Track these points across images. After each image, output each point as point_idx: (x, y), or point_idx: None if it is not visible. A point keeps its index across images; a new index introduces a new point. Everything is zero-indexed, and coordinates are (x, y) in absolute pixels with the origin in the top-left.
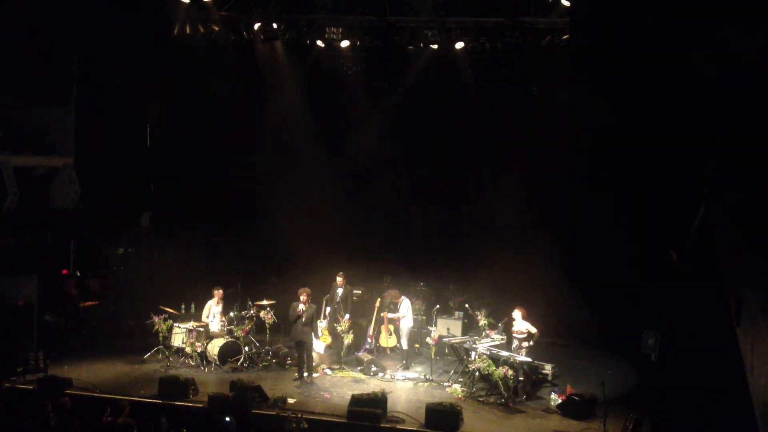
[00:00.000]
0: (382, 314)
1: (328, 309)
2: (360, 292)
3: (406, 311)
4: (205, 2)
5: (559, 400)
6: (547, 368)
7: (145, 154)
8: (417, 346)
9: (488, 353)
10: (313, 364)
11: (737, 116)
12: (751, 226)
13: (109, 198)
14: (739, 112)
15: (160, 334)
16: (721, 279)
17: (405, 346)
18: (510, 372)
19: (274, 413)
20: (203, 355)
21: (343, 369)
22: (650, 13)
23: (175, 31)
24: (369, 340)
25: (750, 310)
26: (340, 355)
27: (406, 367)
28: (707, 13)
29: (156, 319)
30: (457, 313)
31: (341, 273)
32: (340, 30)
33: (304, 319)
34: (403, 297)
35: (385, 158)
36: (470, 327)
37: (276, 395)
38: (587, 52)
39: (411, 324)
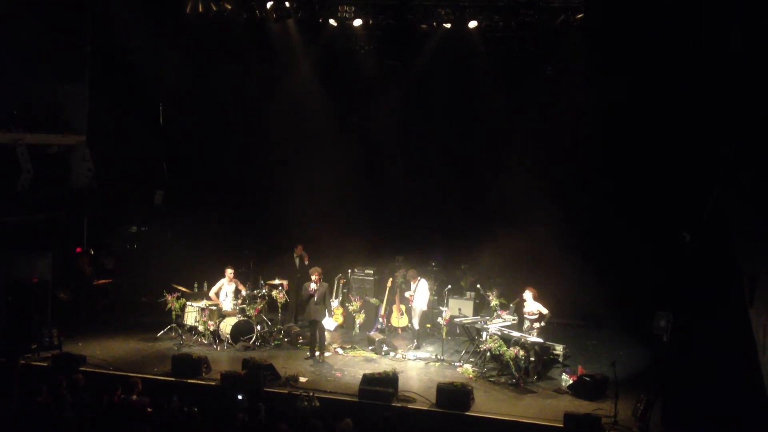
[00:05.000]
0: (396, 295)
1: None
2: (371, 272)
3: (423, 292)
4: None
5: (570, 381)
6: (559, 349)
7: (158, 133)
8: (428, 326)
9: (499, 333)
10: (325, 343)
11: (754, 96)
12: (766, 207)
13: (122, 176)
14: (756, 92)
15: (173, 313)
16: (735, 259)
17: (416, 326)
18: (521, 352)
19: (285, 391)
20: (216, 334)
21: (355, 348)
22: None
23: (188, 9)
24: (380, 319)
25: (763, 290)
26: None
27: (417, 347)
28: None
29: (169, 297)
30: (468, 293)
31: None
32: (353, 9)
33: (316, 298)
34: (420, 278)
35: (397, 137)
36: (481, 307)
37: (288, 374)
38: (602, 31)
39: (425, 307)
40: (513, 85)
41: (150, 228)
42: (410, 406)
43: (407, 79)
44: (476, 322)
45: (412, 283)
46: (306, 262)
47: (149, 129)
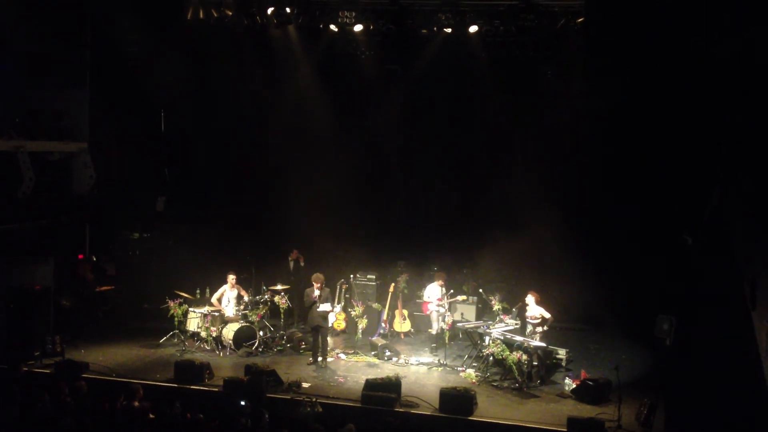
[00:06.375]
0: (399, 300)
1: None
2: (373, 277)
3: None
4: None
5: (574, 385)
6: (562, 353)
7: (159, 139)
8: (431, 330)
9: (502, 338)
10: (328, 348)
11: (752, 98)
12: (766, 209)
13: (124, 183)
14: (754, 94)
15: (176, 319)
16: (736, 262)
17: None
18: (524, 357)
19: (288, 397)
20: (218, 340)
21: (357, 353)
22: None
23: (189, 15)
24: (383, 324)
25: (764, 293)
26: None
27: (435, 350)
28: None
29: (171, 303)
30: (471, 297)
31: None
32: (353, 14)
33: (319, 305)
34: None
35: (398, 142)
36: (484, 312)
37: (290, 379)
38: (602, 35)
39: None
40: (513, 90)
41: (152, 234)
42: (413, 411)
43: (408, 84)
44: (479, 327)
45: (440, 287)
46: (302, 264)
47: (150, 135)
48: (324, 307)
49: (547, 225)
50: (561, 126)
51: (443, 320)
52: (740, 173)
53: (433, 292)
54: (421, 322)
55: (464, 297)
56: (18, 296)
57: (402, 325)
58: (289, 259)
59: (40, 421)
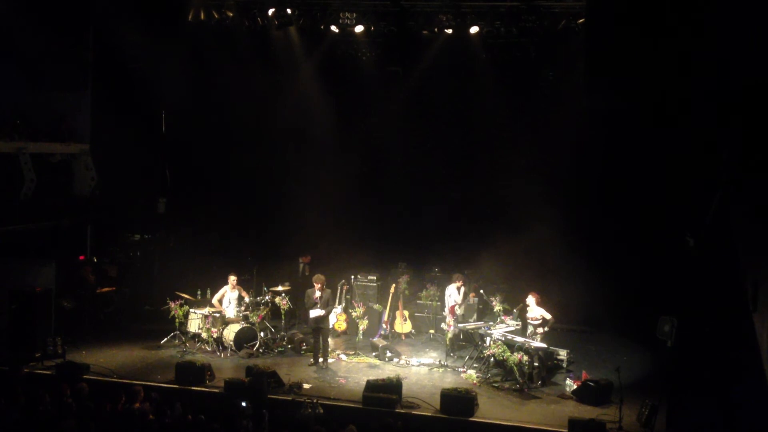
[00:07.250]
0: (399, 301)
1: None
2: (374, 278)
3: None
4: None
5: (575, 386)
6: (563, 354)
7: (160, 140)
8: (432, 332)
9: (503, 339)
10: (329, 349)
11: (754, 99)
12: None
13: (125, 184)
14: (756, 95)
15: (177, 320)
16: (738, 264)
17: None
18: (525, 358)
19: (289, 398)
20: (219, 341)
21: (358, 354)
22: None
23: (189, 17)
24: (384, 325)
25: (766, 295)
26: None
27: (449, 354)
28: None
29: (172, 304)
30: (472, 298)
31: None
32: (354, 15)
33: (320, 305)
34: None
35: (399, 143)
36: (485, 313)
37: (291, 380)
38: (603, 36)
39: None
40: (514, 91)
41: (153, 236)
42: (414, 412)
43: (409, 85)
44: (480, 328)
45: (458, 289)
46: (307, 273)
47: (152, 137)
48: (313, 312)
49: (548, 226)
50: (562, 127)
51: (444, 321)
52: (743, 175)
53: (454, 293)
54: (422, 323)
55: (473, 294)
56: (19, 298)
57: (403, 326)
58: (300, 260)
59: (41, 423)
